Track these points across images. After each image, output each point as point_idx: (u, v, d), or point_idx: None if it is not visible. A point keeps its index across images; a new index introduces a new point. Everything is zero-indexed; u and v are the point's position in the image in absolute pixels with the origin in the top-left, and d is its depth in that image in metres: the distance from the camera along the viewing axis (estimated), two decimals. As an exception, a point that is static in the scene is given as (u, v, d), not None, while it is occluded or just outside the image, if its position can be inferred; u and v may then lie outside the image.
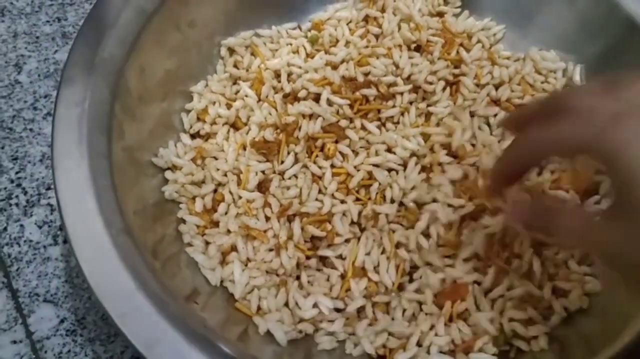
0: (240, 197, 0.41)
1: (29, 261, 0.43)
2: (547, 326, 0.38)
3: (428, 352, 0.37)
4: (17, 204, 0.45)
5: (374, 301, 0.40)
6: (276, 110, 0.45)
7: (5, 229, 0.44)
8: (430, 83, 0.47)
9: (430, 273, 0.40)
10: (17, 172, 0.47)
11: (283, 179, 0.42)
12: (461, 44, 0.49)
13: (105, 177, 0.35)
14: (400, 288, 0.40)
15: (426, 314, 0.39)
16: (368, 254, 0.41)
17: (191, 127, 0.45)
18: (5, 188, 0.46)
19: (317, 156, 0.44)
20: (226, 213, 0.41)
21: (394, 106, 0.46)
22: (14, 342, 0.40)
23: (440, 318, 0.38)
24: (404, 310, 0.40)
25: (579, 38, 0.46)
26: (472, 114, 0.47)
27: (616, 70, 0.43)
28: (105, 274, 0.32)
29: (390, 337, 0.38)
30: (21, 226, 0.45)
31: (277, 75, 0.47)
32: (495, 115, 0.47)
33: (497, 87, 0.48)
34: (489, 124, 0.47)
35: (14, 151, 0.48)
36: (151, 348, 0.30)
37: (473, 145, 0.46)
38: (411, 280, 0.41)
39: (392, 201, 0.43)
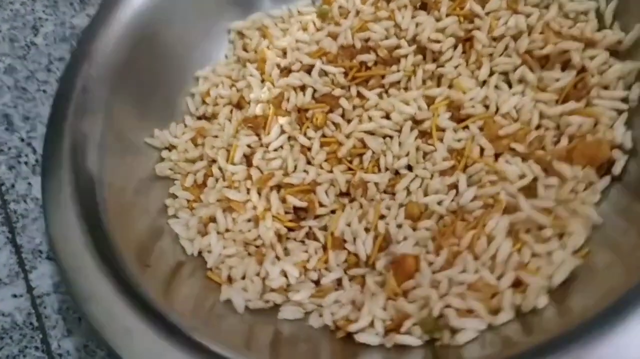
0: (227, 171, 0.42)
1: (35, 218, 0.46)
2: (484, 322, 0.32)
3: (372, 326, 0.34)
4: (26, 163, 0.48)
5: (350, 275, 0.37)
6: (273, 86, 0.45)
7: (13, 186, 0.47)
8: (437, 41, 0.43)
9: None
10: (28, 132, 0.49)
11: (268, 151, 0.42)
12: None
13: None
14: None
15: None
16: (349, 225, 0.39)
17: (197, 109, 0.47)
18: (15, 146, 0.49)
19: (308, 127, 0.43)
20: (214, 188, 0.42)
21: (398, 71, 0.43)
22: (15, 296, 0.43)
23: (382, 292, 0.35)
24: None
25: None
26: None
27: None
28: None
29: (356, 310, 0.36)
30: (29, 184, 0.47)
31: (284, 52, 0.47)
32: (515, 69, 0.41)
33: (515, 38, 0.42)
34: (509, 83, 0.41)
35: (27, 111, 0.50)
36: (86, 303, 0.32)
37: (486, 106, 0.40)
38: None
39: (386, 169, 0.40)
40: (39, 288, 0.43)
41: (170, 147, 0.45)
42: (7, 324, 0.42)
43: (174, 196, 0.43)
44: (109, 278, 0.33)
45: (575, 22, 0.41)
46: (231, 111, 0.46)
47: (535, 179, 0.36)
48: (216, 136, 0.45)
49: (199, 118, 0.47)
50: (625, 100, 0.37)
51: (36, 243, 0.45)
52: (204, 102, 0.47)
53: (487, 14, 0.43)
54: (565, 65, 0.40)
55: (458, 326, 0.32)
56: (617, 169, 0.35)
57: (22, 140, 0.49)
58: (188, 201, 0.43)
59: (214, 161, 0.44)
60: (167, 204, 0.42)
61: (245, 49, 0.49)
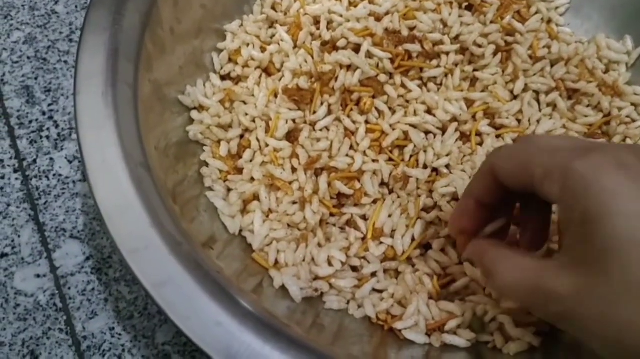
0: (267, 145, 0.39)
1: (57, 195, 0.42)
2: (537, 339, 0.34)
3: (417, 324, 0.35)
4: (47, 137, 0.44)
5: (385, 268, 0.38)
6: (312, 58, 0.42)
7: (34, 161, 0.43)
8: (480, 46, 0.44)
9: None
10: (49, 105, 0.45)
11: (314, 130, 0.40)
12: (518, 12, 0.46)
13: (128, 108, 0.34)
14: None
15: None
16: (390, 216, 0.39)
17: (222, 68, 0.43)
18: (37, 120, 0.45)
19: (351, 109, 0.41)
20: (251, 161, 0.39)
21: (438, 66, 0.43)
22: (38, 276, 0.39)
23: (423, 290, 0.36)
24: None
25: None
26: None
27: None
28: (119, 207, 0.30)
29: (396, 304, 0.36)
30: (51, 159, 0.43)
31: (317, 22, 0.44)
32: (547, 93, 0.44)
33: (553, 63, 0.44)
34: (538, 101, 0.44)
35: (48, 82, 0.46)
36: (159, 288, 0.29)
37: (519, 121, 0.43)
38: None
39: (425, 167, 0.41)
40: (63, 268, 0.40)
41: (200, 109, 0.40)
42: (30, 306, 0.38)
43: (206, 164, 0.39)
44: (186, 262, 0.29)
45: (607, 68, 0.45)
46: (260, 76, 0.43)
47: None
48: (244, 102, 0.42)
49: (223, 78, 0.43)
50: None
51: (59, 221, 0.41)
52: (230, 60, 0.43)
53: (527, 32, 0.45)
54: (592, 104, 0.43)
55: (515, 335, 0.34)
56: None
57: (44, 113, 0.45)
58: (220, 171, 0.39)
59: (247, 129, 0.40)
60: (203, 173, 0.38)
61: (274, 8, 0.45)
